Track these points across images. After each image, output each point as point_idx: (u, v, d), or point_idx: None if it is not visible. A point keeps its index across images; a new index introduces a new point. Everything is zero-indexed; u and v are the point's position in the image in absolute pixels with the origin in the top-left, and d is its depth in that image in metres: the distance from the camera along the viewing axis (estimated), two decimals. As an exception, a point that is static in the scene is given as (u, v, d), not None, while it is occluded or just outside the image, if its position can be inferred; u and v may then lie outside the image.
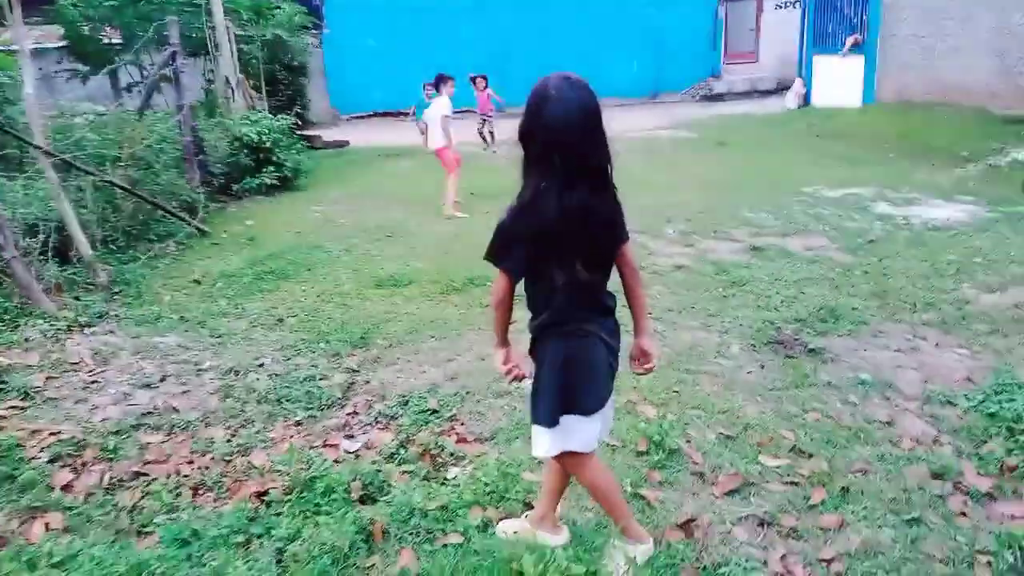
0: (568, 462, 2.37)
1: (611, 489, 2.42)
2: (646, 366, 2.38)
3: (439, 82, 8.98)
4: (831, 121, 13.00)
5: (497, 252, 2.19)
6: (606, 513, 2.51)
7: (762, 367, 3.95)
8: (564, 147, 2.02)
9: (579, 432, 2.27)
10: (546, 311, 2.20)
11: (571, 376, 2.21)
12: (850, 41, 14.13)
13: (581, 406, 2.24)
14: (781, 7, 20.10)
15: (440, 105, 8.33)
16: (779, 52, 19.92)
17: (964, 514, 2.66)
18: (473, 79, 12.35)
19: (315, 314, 5.07)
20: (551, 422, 2.23)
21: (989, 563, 2.41)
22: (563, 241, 2.09)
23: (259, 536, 2.70)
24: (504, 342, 2.33)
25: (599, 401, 2.28)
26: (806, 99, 15.66)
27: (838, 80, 14.56)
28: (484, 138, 12.57)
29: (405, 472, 3.11)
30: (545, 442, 2.27)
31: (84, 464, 3.34)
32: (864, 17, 13.94)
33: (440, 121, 8.27)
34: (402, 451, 3.28)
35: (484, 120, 12.63)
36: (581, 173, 2.05)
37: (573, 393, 2.22)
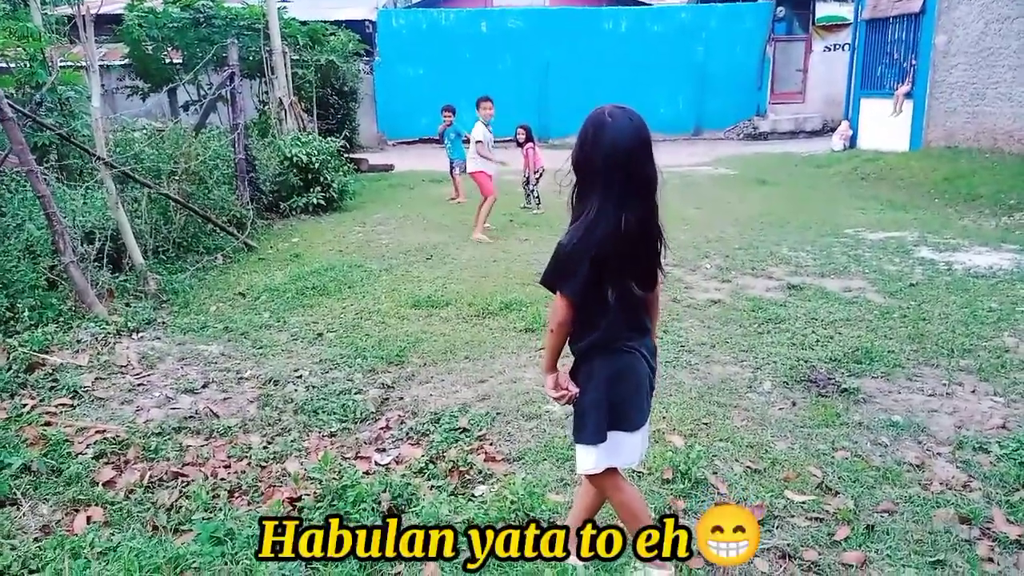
0: (605, 482, 2.40)
1: (641, 510, 2.45)
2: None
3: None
4: (876, 164, 12.91)
5: (560, 276, 2.23)
6: (632, 534, 2.53)
7: (793, 404, 3.95)
8: (623, 169, 2.13)
9: (625, 448, 2.33)
10: (596, 330, 2.25)
11: (619, 392, 2.29)
12: (901, 93, 13.99)
13: (628, 421, 2.31)
14: (830, 49, 20.10)
15: (475, 131, 8.55)
16: (826, 93, 19.90)
17: (991, 559, 2.63)
18: (524, 136, 10.43)
19: (353, 330, 5.20)
20: (600, 438, 2.29)
21: (1014, 610, 2.39)
22: (622, 260, 2.18)
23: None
24: (555, 367, 2.37)
25: (643, 417, 2.36)
26: (852, 141, 15.59)
27: (885, 123, 14.47)
28: (528, 196, 10.38)
29: (433, 487, 3.18)
30: (592, 458, 2.32)
31: (127, 462, 3.47)
32: (914, 62, 13.87)
33: (473, 147, 8.51)
34: (431, 467, 3.35)
35: (528, 179, 10.34)
36: (637, 194, 2.17)
37: (620, 409, 2.29)
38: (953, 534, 2.77)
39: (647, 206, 2.20)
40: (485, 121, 8.50)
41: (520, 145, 10.38)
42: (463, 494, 3.12)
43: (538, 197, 10.26)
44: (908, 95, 13.90)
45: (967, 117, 12.72)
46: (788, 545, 2.71)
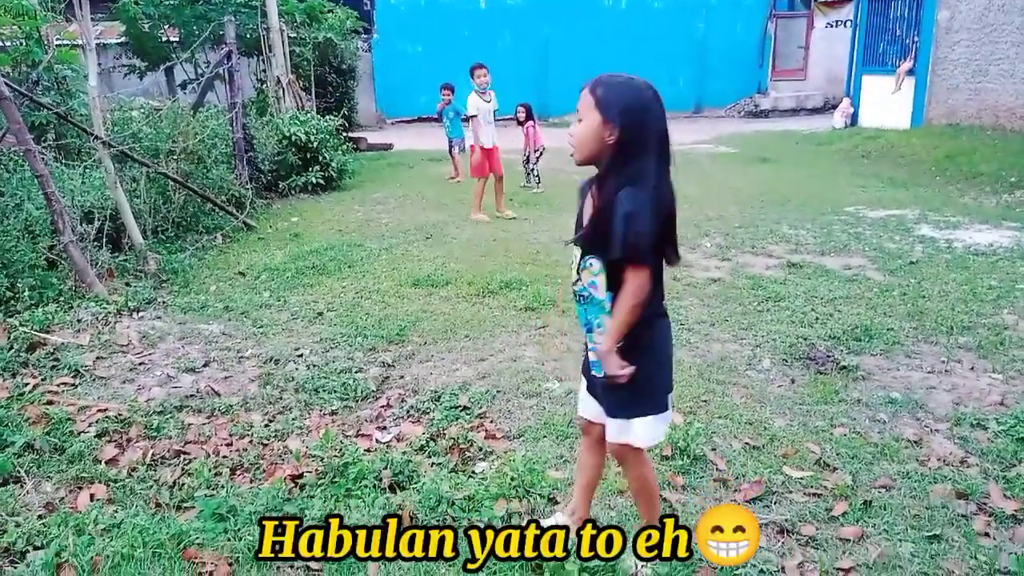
0: (631, 455, 2.38)
1: (654, 487, 2.46)
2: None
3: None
4: (877, 141, 12.86)
5: (644, 249, 2.10)
6: (641, 510, 2.53)
7: (792, 381, 3.97)
8: (663, 141, 2.15)
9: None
10: (653, 298, 2.20)
11: (668, 359, 2.32)
12: (903, 70, 13.89)
13: (671, 386, 2.34)
14: (832, 25, 19.95)
15: (469, 103, 8.27)
16: (828, 70, 19.78)
17: (987, 534, 2.65)
18: (524, 114, 10.24)
19: (353, 309, 5.20)
20: (667, 405, 2.29)
21: (1009, 583, 2.41)
22: (671, 225, 2.21)
23: (293, 515, 2.81)
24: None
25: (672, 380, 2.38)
26: (853, 119, 15.51)
27: (887, 101, 14.39)
28: (528, 175, 10.34)
29: (434, 464, 3.20)
30: (661, 428, 2.32)
31: (129, 440, 3.49)
32: (916, 39, 13.77)
33: (472, 124, 8.29)
34: (432, 444, 3.37)
35: (528, 157, 10.26)
36: (667, 165, 2.19)
37: (670, 376, 2.33)
38: (950, 509, 2.79)
39: (668, 178, 2.22)
40: (481, 89, 8.17)
41: (520, 124, 10.19)
42: (464, 471, 3.14)
43: (538, 176, 10.20)
44: (910, 72, 13.81)
45: (969, 94, 12.65)
46: (786, 520, 2.74)
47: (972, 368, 4.11)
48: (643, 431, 2.30)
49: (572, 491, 2.73)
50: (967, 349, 4.35)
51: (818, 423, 3.50)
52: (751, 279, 5.68)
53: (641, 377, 2.20)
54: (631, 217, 2.06)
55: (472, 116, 8.22)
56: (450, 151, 11.09)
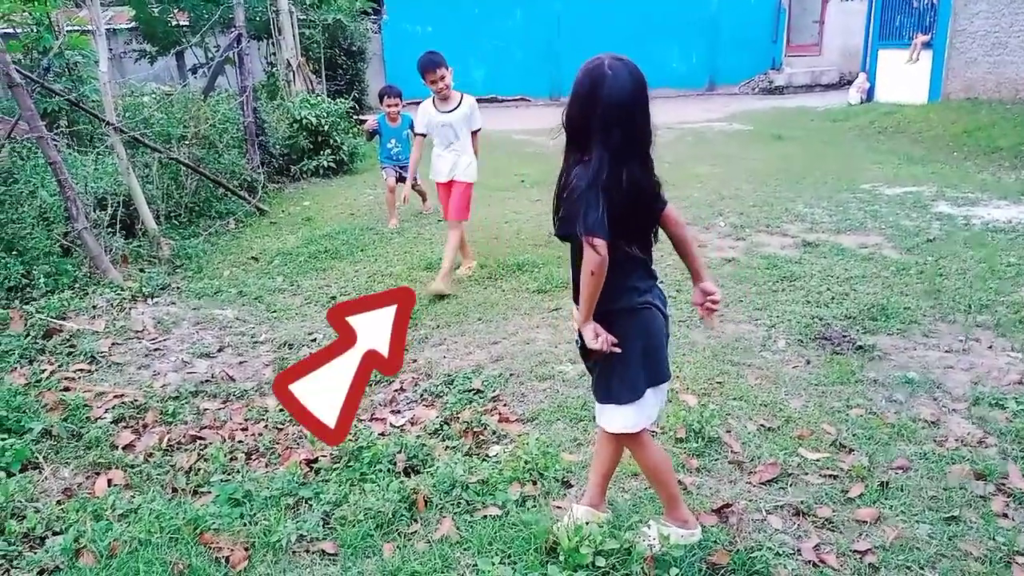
0: (639, 443, 2.39)
1: (663, 472, 2.44)
2: (712, 298, 2.36)
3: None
4: (894, 117, 12.66)
5: (584, 217, 2.09)
6: (661, 495, 2.50)
7: (808, 362, 3.93)
8: (621, 126, 2.08)
9: (651, 404, 2.35)
10: (612, 288, 2.19)
11: (646, 347, 2.27)
12: (919, 42, 13.66)
13: (659, 376, 2.32)
14: (847, -1, 19.60)
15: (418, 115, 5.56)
16: (843, 44, 19.45)
17: (1006, 515, 2.63)
18: None
19: (366, 293, 5.20)
20: (636, 395, 2.28)
21: (1028, 564, 2.39)
22: (625, 216, 2.14)
23: (308, 499, 2.83)
24: (591, 316, 2.24)
25: (669, 371, 2.36)
26: (869, 94, 15.27)
27: (903, 75, 14.16)
28: None
29: (448, 447, 3.21)
30: (629, 417, 2.31)
31: (145, 426, 3.52)
32: (933, 12, 13.51)
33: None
34: (446, 428, 3.38)
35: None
36: (635, 151, 2.13)
37: (652, 364, 2.29)
38: (968, 490, 2.76)
39: (644, 163, 2.16)
40: (440, 95, 5.23)
41: None
42: (477, 454, 3.15)
43: None
44: (927, 45, 13.57)
45: (988, 67, 12.43)
46: (802, 503, 2.72)
47: (991, 347, 4.06)
48: (613, 416, 2.33)
49: (588, 477, 2.69)
50: (985, 328, 4.30)
51: (834, 404, 3.47)
52: (766, 259, 5.63)
53: (613, 364, 2.26)
54: (568, 194, 2.14)
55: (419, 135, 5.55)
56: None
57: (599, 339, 2.20)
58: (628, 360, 2.25)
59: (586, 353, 2.31)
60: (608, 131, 2.08)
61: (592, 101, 2.09)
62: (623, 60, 2.11)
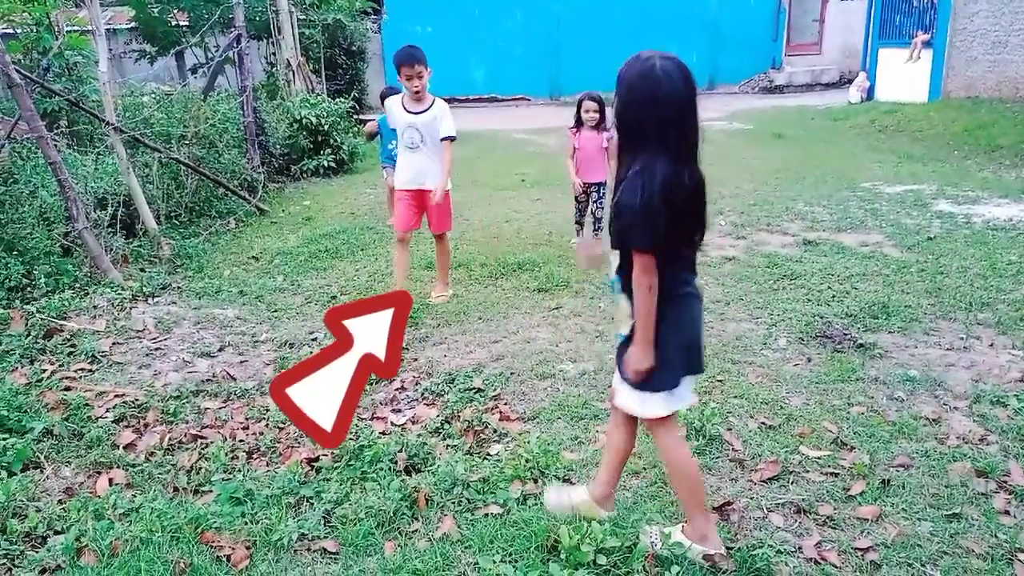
0: (653, 424, 2.38)
1: (685, 466, 2.38)
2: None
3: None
4: (894, 116, 12.67)
5: (641, 232, 2.09)
6: (680, 494, 2.45)
7: (808, 360, 3.93)
8: (677, 125, 2.10)
9: (684, 392, 2.36)
10: (664, 279, 2.18)
11: (690, 336, 2.30)
12: (919, 41, 13.65)
13: (698, 364, 2.35)
14: (847, -3, 19.60)
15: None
16: (843, 43, 19.47)
17: (1007, 512, 2.63)
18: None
19: (367, 292, 5.20)
20: (674, 383, 2.29)
21: (1030, 562, 2.39)
22: (686, 213, 2.16)
23: (309, 498, 2.83)
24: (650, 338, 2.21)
25: (702, 364, 2.38)
26: (870, 93, 15.27)
27: (903, 74, 14.16)
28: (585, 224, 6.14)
29: (449, 446, 3.21)
30: (662, 404, 2.31)
31: (146, 425, 3.52)
32: (933, 10, 13.51)
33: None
34: (447, 426, 3.37)
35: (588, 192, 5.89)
36: (690, 148, 2.15)
37: (693, 352, 2.31)
38: (969, 488, 2.76)
39: (695, 159, 2.17)
40: (413, 92, 4.77)
41: (577, 129, 5.78)
42: (478, 453, 3.15)
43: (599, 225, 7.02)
44: (928, 44, 13.57)
45: (988, 66, 12.42)
46: (803, 500, 2.72)
47: (991, 345, 4.06)
48: (647, 402, 2.31)
49: (599, 471, 2.64)
50: (986, 326, 4.29)
51: (835, 402, 3.47)
52: (766, 257, 5.63)
53: (657, 352, 2.23)
54: (622, 210, 2.11)
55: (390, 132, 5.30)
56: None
57: (646, 366, 2.21)
58: (670, 348, 2.25)
59: (623, 350, 2.30)
60: (666, 134, 2.09)
61: (649, 105, 2.09)
62: (672, 59, 2.11)
